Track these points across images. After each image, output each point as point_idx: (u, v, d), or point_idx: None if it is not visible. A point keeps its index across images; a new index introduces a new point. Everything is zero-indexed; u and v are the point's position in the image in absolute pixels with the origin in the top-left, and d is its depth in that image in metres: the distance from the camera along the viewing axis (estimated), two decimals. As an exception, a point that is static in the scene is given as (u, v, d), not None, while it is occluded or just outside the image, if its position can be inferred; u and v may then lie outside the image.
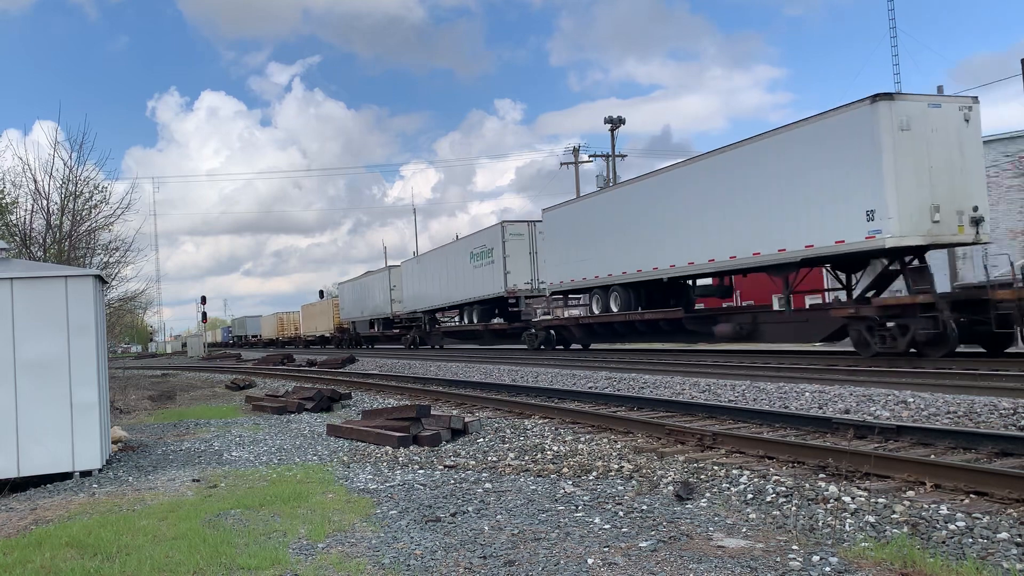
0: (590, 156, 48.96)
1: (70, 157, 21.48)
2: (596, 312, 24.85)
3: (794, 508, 5.89)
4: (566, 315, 27.88)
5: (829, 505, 5.83)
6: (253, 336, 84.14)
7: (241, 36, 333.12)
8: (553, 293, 27.94)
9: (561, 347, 28.00)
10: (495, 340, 33.70)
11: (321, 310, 61.21)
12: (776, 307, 18.14)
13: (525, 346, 29.31)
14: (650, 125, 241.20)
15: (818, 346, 21.51)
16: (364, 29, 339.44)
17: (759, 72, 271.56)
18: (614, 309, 23.75)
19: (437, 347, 39.95)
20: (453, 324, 38.24)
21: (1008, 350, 15.12)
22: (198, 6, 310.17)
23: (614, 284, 23.59)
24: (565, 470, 7.94)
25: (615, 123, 46.40)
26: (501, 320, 32.36)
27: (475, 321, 33.59)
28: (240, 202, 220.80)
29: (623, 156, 48.32)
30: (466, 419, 11.14)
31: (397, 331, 44.04)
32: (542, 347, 27.81)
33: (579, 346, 28.03)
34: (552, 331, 27.74)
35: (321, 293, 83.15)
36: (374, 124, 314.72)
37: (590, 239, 24.77)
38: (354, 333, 52.48)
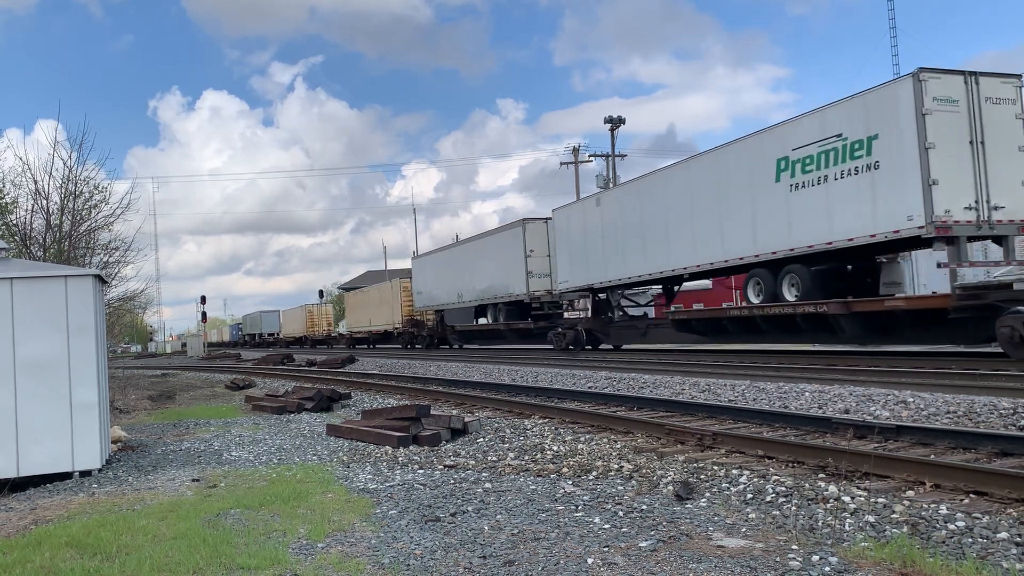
0: (590, 156, 49.13)
1: (70, 157, 21.55)
2: None
3: (794, 508, 5.89)
4: None
5: (829, 505, 5.83)
6: (270, 335, 71.38)
7: (245, 35, 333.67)
8: None
9: None
10: (869, 337, 16.02)
11: (380, 297, 43.70)
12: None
13: (1004, 352, 12.84)
14: (653, 125, 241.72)
15: (818, 346, 21.37)
16: (369, 29, 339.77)
17: (763, 71, 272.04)
18: None
19: (618, 347, 24.07)
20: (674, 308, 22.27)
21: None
22: (202, 5, 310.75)
23: None
24: (565, 470, 7.94)
25: (615, 123, 46.79)
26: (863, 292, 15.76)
27: (787, 297, 16.94)
28: (242, 202, 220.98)
29: (623, 156, 48.54)
30: (466, 419, 11.14)
31: (534, 322, 28.40)
32: None
33: None
34: None
35: (321, 293, 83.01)
36: (377, 124, 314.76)
37: None
38: (438, 327, 36.50)
